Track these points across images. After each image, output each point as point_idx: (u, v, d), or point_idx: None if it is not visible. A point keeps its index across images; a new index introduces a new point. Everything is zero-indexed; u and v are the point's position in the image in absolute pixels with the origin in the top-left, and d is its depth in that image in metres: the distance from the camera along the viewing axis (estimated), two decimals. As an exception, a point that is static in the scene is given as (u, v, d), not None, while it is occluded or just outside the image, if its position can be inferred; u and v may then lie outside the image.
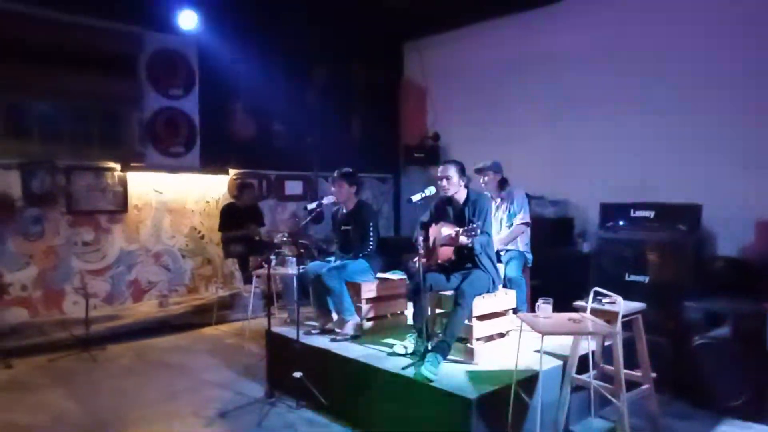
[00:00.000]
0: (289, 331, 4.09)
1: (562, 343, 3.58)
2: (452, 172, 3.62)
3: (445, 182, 3.60)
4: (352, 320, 3.99)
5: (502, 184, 4.46)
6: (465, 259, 3.65)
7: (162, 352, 4.85)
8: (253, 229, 5.72)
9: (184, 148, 5.96)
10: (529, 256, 4.49)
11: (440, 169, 3.64)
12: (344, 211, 4.30)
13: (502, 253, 4.35)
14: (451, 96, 7.10)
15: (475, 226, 3.22)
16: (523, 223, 4.36)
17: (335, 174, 4.21)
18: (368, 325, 4.10)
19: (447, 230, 3.54)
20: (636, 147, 5.35)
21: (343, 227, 4.27)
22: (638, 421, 3.42)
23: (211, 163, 6.07)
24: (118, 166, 5.59)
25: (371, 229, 4.11)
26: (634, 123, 5.37)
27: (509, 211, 4.43)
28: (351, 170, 4.24)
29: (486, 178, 4.42)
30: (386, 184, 7.81)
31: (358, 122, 7.42)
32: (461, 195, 3.69)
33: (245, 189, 5.70)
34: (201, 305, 5.62)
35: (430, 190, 3.53)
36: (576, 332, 3.17)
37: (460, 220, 3.64)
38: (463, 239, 3.34)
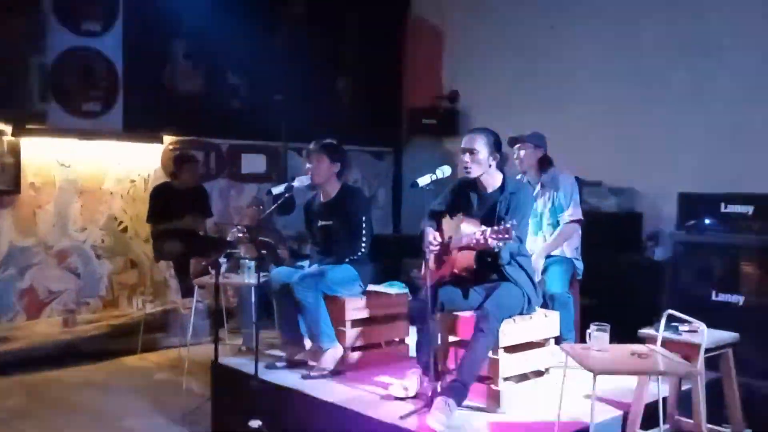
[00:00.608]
0: (245, 364, 4.07)
1: (622, 386, 3.58)
2: (480, 144, 3.59)
3: (467, 158, 3.58)
4: (333, 350, 4.00)
5: (544, 164, 4.47)
6: (490, 269, 3.65)
7: (66, 389, 4.82)
8: (196, 221, 5.70)
9: (101, 106, 5.93)
10: (579, 264, 4.49)
11: (465, 139, 3.61)
12: (322, 199, 4.29)
13: (541, 261, 4.36)
14: (476, 41, 7.09)
15: (509, 225, 3.20)
16: (574, 221, 4.37)
17: (312, 146, 4.20)
18: (355, 356, 4.11)
19: (469, 227, 3.52)
20: (732, 121, 5.36)
21: (321, 221, 4.27)
22: (725, 494, 3.44)
23: (139, 127, 6.05)
24: (8, 129, 5.55)
25: (361, 224, 4.11)
26: (730, 87, 5.37)
27: (553, 203, 4.44)
28: (334, 142, 4.23)
29: (522, 153, 4.43)
30: (383, 161, 7.81)
31: (346, 75, 7.40)
32: (493, 180, 3.67)
33: (186, 164, 5.68)
34: (122, 325, 5.61)
35: (444, 171, 3.51)
36: (642, 371, 3.16)
37: (488, 215, 3.63)
38: (490, 242, 3.33)
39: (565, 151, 5.13)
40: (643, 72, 5.79)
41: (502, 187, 3.66)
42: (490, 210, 3.63)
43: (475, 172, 3.61)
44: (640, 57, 5.83)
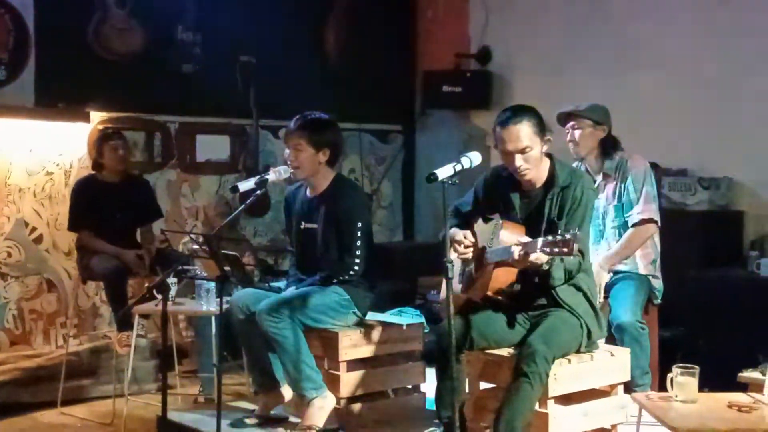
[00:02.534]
0: (203, 420, 4.11)
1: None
2: (530, 134, 3.58)
3: (521, 161, 3.58)
4: (321, 400, 4.01)
5: (608, 147, 4.47)
6: (537, 291, 3.65)
7: (-39, 456, 4.85)
8: (138, 227, 5.72)
9: (4, 70, 5.93)
10: (657, 283, 4.49)
11: (506, 134, 3.59)
12: (308, 194, 4.30)
13: (605, 278, 4.36)
14: (514, -21, 7.10)
15: (569, 237, 3.19)
16: (645, 220, 4.36)
17: (292, 125, 4.20)
18: (353, 409, 4.13)
19: (511, 236, 3.51)
20: None
21: (304, 223, 4.27)
22: None
23: (56, 101, 6.05)
24: None
25: (356, 233, 4.12)
26: None
27: (619, 198, 4.44)
28: (323, 117, 4.23)
29: (578, 133, 4.43)
30: (389, 143, 7.81)
31: (338, 28, 7.40)
32: (540, 171, 3.69)
33: (115, 148, 5.68)
34: (37, 369, 5.61)
35: (472, 159, 3.50)
36: (744, 430, 3.16)
37: (534, 219, 3.63)
38: (540, 257, 3.32)
39: (635, 130, 5.13)
40: (746, 24, 5.77)
41: (550, 179, 3.67)
42: (537, 212, 3.64)
43: (532, 172, 3.64)
44: (742, 4, 5.80)
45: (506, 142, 3.60)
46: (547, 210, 3.62)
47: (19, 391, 5.45)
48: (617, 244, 4.40)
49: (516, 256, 3.36)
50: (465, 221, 3.85)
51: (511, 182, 3.74)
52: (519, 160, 3.59)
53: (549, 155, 3.71)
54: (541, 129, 3.64)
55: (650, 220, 4.37)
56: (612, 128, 4.49)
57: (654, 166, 4.82)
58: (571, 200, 3.60)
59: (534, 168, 3.63)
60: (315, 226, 4.21)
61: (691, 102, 5.93)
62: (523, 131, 3.58)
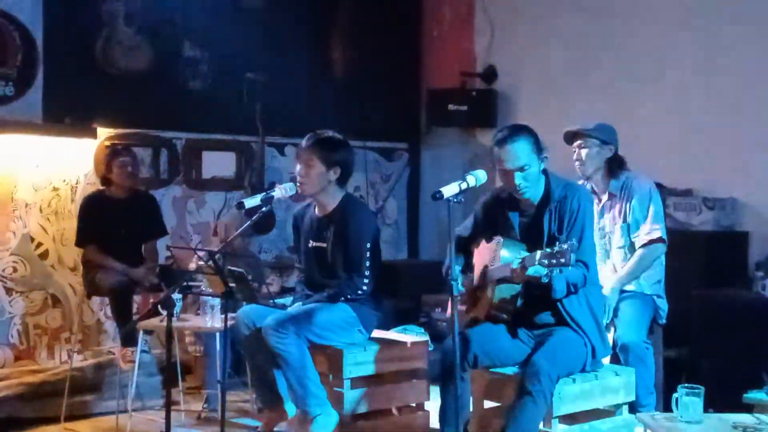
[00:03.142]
0: (207, 437, 4.10)
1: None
2: (527, 152, 3.62)
3: (520, 179, 3.61)
4: (324, 417, 4.01)
5: (614, 166, 4.48)
6: (541, 307, 3.66)
7: (-36, 471, 4.85)
8: (143, 243, 5.73)
9: (13, 88, 5.97)
10: (662, 303, 4.49)
11: (503, 153, 3.63)
12: (317, 213, 4.31)
13: (615, 297, 4.36)
14: (520, 4, 7.12)
15: (565, 247, 3.22)
16: (654, 240, 4.37)
17: (304, 143, 4.23)
18: (357, 427, 4.12)
19: (510, 252, 3.55)
20: None
21: (313, 242, 4.29)
22: None
23: (63, 115, 6.08)
24: None
25: (365, 252, 4.14)
26: None
27: (625, 218, 4.45)
28: (336, 136, 4.25)
29: (584, 152, 4.44)
30: (394, 161, 7.83)
31: (344, 46, 7.43)
32: (538, 189, 3.72)
33: (124, 165, 5.71)
34: (41, 384, 5.61)
35: (477, 178, 3.53)
36: (749, 450, 3.16)
37: (534, 235, 3.65)
38: (538, 270, 3.35)
39: (640, 149, 5.14)
40: (752, 42, 5.78)
41: (546, 195, 3.69)
42: (536, 229, 3.66)
43: (531, 190, 3.67)
44: (747, 23, 5.81)
45: (504, 162, 3.63)
46: (546, 226, 3.64)
47: (22, 406, 5.44)
48: (627, 265, 4.39)
49: (515, 269, 3.39)
50: (463, 248, 3.87)
51: (510, 203, 3.77)
52: (518, 178, 3.62)
53: (544, 171, 3.73)
54: (538, 146, 3.68)
55: (659, 240, 4.37)
56: (618, 148, 4.50)
57: (659, 186, 4.82)
58: (569, 213, 3.62)
59: (533, 186, 3.66)
60: (324, 245, 4.23)
61: (696, 122, 5.94)
62: (521, 149, 3.61)
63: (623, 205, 4.45)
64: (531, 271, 3.35)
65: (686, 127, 5.97)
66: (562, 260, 3.24)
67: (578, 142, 4.46)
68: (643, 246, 4.36)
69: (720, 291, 5.32)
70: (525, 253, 3.48)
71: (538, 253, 3.32)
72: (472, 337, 3.62)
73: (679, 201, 5.69)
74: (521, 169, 3.61)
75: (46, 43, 6.03)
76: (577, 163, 4.47)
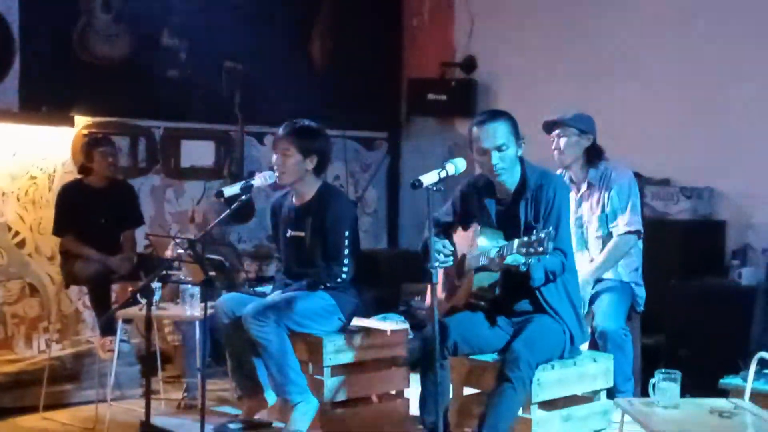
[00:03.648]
0: (187, 425, 4.13)
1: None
2: (506, 133, 3.65)
3: (497, 158, 3.63)
4: (305, 405, 4.02)
5: (593, 156, 4.50)
6: (520, 295, 3.68)
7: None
8: (122, 232, 5.71)
9: (-11, 75, 5.93)
10: (640, 291, 4.53)
11: (483, 132, 3.65)
12: (294, 202, 4.31)
13: (589, 288, 4.39)
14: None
15: (543, 236, 3.24)
16: (631, 232, 4.40)
17: (280, 132, 4.22)
18: (336, 414, 4.14)
19: (488, 241, 3.57)
20: None
21: (291, 231, 4.29)
22: None
23: (40, 104, 6.05)
24: None
25: (342, 241, 4.15)
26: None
27: (603, 209, 4.47)
28: (313, 125, 4.25)
29: (563, 142, 4.46)
30: (374, 150, 7.83)
31: (324, 35, 7.42)
32: (514, 176, 3.74)
33: (105, 154, 5.69)
34: (19, 374, 5.59)
35: (456, 166, 3.53)
36: (725, 435, 3.19)
37: (511, 224, 3.67)
38: (516, 258, 3.36)
39: (618, 139, 5.14)
40: (727, 34, 5.82)
41: (522, 183, 3.71)
42: (513, 218, 3.68)
43: (508, 172, 3.67)
44: (723, 15, 5.85)
45: (483, 140, 3.65)
46: (522, 215, 3.66)
47: (0, 395, 5.43)
48: (600, 256, 4.42)
49: (493, 259, 3.40)
50: (444, 231, 3.89)
51: (487, 190, 3.78)
52: (495, 158, 3.63)
53: (520, 159, 3.75)
54: (517, 131, 3.70)
55: (636, 232, 4.41)
56: (597, 137, 4.52)
57: (637, 175, 4.83)
58: (545, 201, 3.64)
59: (509, 168, 3.67)
60: (302, 234, 4.23)
61: (674, 111, 5.97)
62: (500, 129, 3.65)
63: (601, 195, 4.47)
64: (509, 259, 3.37)
65: (663, 117, 6.00)
66: (540, 249, 3.25)
67: (557, 131, 4.48)
68: (620, 236, 4.39)
69: (697, 279, 5.37)
70: (502, 241, 3.49)
71: (516, 241, 3.34)
72: (452, 324, 3.63)
73: (657, 190, 5.73)
74: (499, 148, 3.63)
75: (23, 30, 5.98)
76: (555, 152, 4.49)
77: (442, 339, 3.49)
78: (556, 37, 6.70)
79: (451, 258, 3.73)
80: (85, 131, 6.22)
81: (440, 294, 3.74)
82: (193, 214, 6.12)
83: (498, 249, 3.42)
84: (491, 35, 7.16)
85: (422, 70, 7.52)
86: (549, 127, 4.50)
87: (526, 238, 3.30)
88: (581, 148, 4.47)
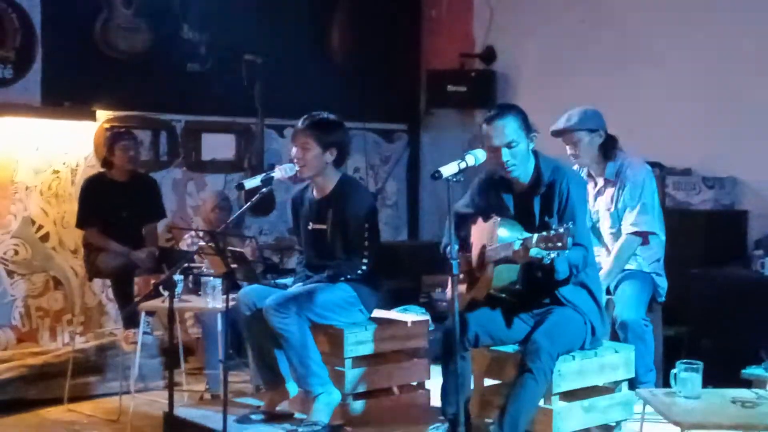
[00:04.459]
0: (209, 416, 4.11)
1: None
2: (515, 129, 3.64)
3: (508, 155, 3.62)
4: (326, 397, 4.03)
5: (608, 148, 4.48)
6: (540, 288, 3.68)
7: (-33, 452, 4.88)
8: (144, 225, 5.75)
9: (12, 71, 5.96)
10: (661, 282, 4.52)
11: (491, 130, 3.65)
12: (315, 195, 4.33)
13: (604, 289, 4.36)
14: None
15: (562, 231, 3.23)
16: (637, 233, 4.36)
17: (300, 123, 4.23)
18: (358, 406, 4.14)
19: (509, 232, 3.56)
20: None
21: (312, 224, 4.30)
22: None
23: (62, 99, 6.08)
24: None
25: (363, 233, 4.15)
26: None
27: (616, 204, 4.45)
28: (331, 117, 4.26)
29: (576, 146, 4.42)
30: (394, 143, 7.83)
31: (343, 27, 7.42)
32: (528, 170, 3.73)
33: (126, 148, 5.73)
34: (43, 366, 5.64)
35: (476, 157, 3.53)
36: (746, 426, 3.18)
37: (525, 216, 3.67)
38: (539, 252, 3.35)
39: (639, 129, 5.14)
40: (751, 22, 5.77)
41: (536, 176, 3.70)
42: (528, 212, 3.67)
43: (519, 168, 3.67)
44: (746, 3, 5.80)
45: (492, 138, 3.64)
46: (537, 209, 3.65)
47: (25, 387, 5.47)
48: (608, 261, 4.41)
49: (517, 251, 3.39)
50: (463, 223, 3.88)
51: (503, 184, 3.77)
52: (506, 155, 3.62)
53: (534, 153, 3.74)
54: (527, 125, 3.68)
55: (642, 234, 4.37)
56: (607, 128, 4.48)
57: (658, 165, 4.83)
58: (558, 197, 3.62)
59: (521, 164, 3.66)
60: (323, 227, 4.23)
61: (696, 101, 5.94)
62: (509, 126, 3.63)
63: (616, 192, 4.45)
64: (533, 252, 3.35)
65: (685, 107, 5.97)
66: (559, 244, 3.24)
67: (567, 136, 4.44)
68: (628, 236, 4.37)
69: (719, 269, 5.35)
70: (525, 233, 3.48)
71: (536, 236, 3.32)
72: (472, 316, 3.63)
73: (679, 180, 5.70)
74: (508, 145, 3.61)
75: (45, 25, 6.02)
76: (572, 157, 4.47)
77: (462, 331, 3.50)
78: (576, 27, 6.66)
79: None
80: (107, 125, 6.26)
81: (461, 286, 3.74)
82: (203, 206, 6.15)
83: (521, 241, 3.41)
84: (510, 26, 7.14)
85: (441, 61, 7.51)
86: (557, 135, 4.47)
87: (545, 233, 3.28)
88: (595, 147, 4.45)
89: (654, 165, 4.62)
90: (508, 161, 3.63)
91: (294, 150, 4.21)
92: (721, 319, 4.93)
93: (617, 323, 4.22)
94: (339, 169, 4.28)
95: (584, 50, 6.55)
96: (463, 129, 7.41)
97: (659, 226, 4.45)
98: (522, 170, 3.68)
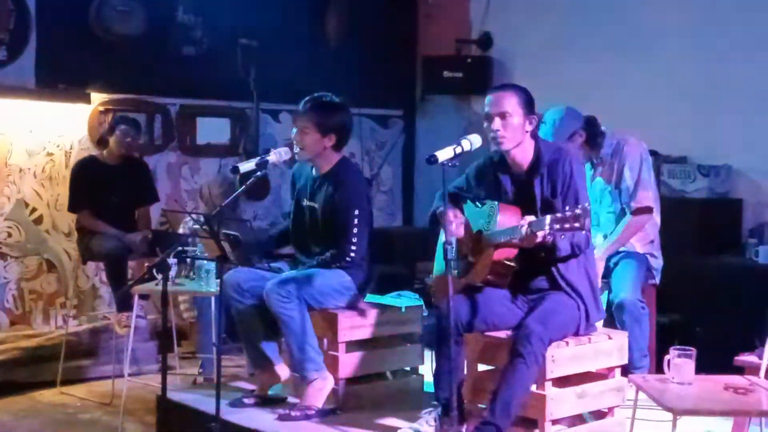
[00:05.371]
0: (202, 400, 4.12)
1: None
2: (512, 103, 3.62)
3: (498, 124, 3.61)
4: (320, 381, 4.03)
5: (594, 142, 4.48)
6: (537, 271, 3.68)
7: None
8: (136, 209, 5.74)
9: (5, 52, 5.94)
10: (656, 263, 4.52)
11: (490, 100, 3.65)
12: (313, 172, 4.31)
13: (601, 265, 4.38)
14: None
15: (578, 211, 3.18)
16: (641, 209, 4.37)
17: (301, 106, 4.21)
18: (351, 390, 4.15)
19: (509, 217, 3.54)
20: None
21: (306, 201, 4.29)
22: None
23: (57, 82, 6.07)
24: None
25: (351, 219, 4.13)
26: None
27: (616, 185, 4.45)
28: (330, 101, 4.24)
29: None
30: (389, 128, 7.82)
31: (339, 12, 7.39)
32: (525, 152, 3.71)
33: (124, 133, 5.71)
34: (36, 349, 5.64)
35: (472, 142, 3.52)
36: (739, 411, 3.19)
37: (525, 199, 3.66)
38: (541, 236, 3.33)
39: (634, 116, 5.14)
40: (747, 9, 5.77)
41: (536, 160, 3.68)
42: (528, 194, 3.65)
43: (509, 142, 3.64)
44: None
45: (488, 105, 3.65)
46: (538, 190, 3.63)
47: (18, 370, 5.48)
48: (613, 234, 4.42)
49: (524, 235, 3.37)
50: (455, 204, 3.86)
51: (502, 166, 3.76)
52: (497, 124, 3.60)
53: (534, 137, 3.72)
54: (528, 106, 3.66)
55: (646, 209, 4.39)
56: (582, 123, 4.45)
57: (653, 153, 4.83)
58: (562, 176, 3.60)
59: (511, 138, 3.63)
60: (316, 205, 4.23)
61: (691, 89, 5.94)
62: (507, 98, 3.62)
63: (614, 171, 4.46)
64: (540, 236, 3.33)
65: (680, 94, 5.96)
66: (576, 225, 3.20)
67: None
68: (634, 219, 4.38)
69: (713, 257, 5.37)
70: (527, 218, 3.45)
71: (548, 217, 3.27)
72: (466, 302, 3.63)
73: (674, 168, 5.71)
74: (502, 115, 3.60)
75: (39, 7, 6.01)
76: None
77: (456, 316, 3.49)
78: (572, 14, 6.66)
79: (462, 226, 3.72)
80: (102, 108, 6.25)
81: (454, 271, 3.73)
82: (201, 190, 6.14)
83: (527, 226, 3.38)
84: (507, 12, 7.12)
85: (437, 47, 7.49)
86: None
87: (559, 215, 3.25)
88: (579, 147, 4.45)
89: (649, 153, 4.61)
90: (498, 131, 3.60)
91: (294, 131, 4.21)
92: (715, 307, 4.94)
93: (614, 305, 4.23)
94: (339, 151, 4.26)
95: (581, 37, 6.54)
96: (459, 115, 7.41)
97: (656, 205, 4.47)
98: (513, 147, 3.65)
